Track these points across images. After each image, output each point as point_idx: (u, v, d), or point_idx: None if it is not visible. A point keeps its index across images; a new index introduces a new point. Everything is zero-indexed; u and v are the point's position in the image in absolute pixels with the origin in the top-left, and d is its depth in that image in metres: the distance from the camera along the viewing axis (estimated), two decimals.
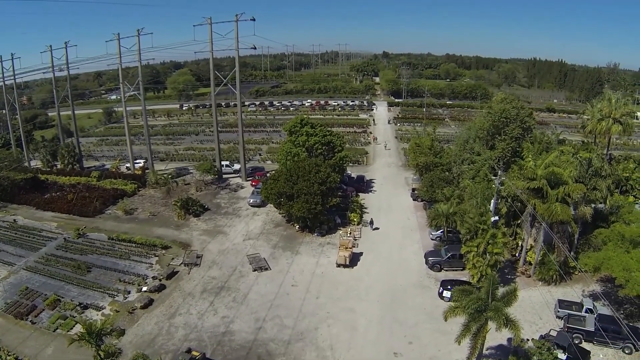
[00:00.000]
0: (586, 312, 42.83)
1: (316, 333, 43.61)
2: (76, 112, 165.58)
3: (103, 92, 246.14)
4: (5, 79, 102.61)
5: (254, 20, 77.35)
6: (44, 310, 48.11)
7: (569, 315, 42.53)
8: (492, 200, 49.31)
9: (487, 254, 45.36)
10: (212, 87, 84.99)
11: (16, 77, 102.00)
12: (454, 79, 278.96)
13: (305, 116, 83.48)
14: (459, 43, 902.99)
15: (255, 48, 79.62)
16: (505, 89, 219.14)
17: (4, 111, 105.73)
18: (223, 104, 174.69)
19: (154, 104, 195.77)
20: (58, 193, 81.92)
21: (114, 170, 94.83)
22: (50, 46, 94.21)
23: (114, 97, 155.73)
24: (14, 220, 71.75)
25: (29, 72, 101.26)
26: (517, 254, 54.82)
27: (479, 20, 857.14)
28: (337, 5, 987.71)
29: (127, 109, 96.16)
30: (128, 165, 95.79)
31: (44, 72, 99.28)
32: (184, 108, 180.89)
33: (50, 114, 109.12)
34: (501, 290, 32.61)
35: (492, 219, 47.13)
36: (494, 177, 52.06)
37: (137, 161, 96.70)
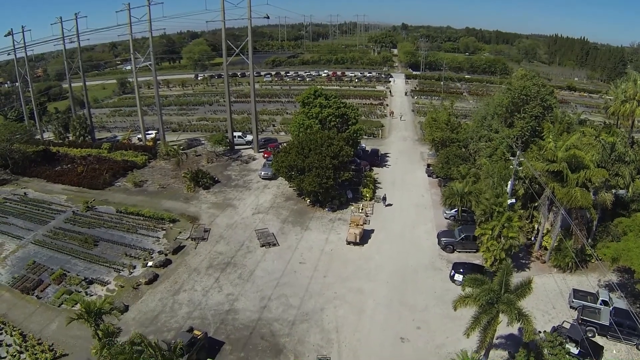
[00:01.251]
0: (601, 304, 41.02)
1: (322, 314, 42.49)
2: (91, 83, 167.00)
3: (118, 62, 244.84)
4: (17, 51, 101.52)
5: None
6: (50, 284, 47.95)
7: (584, 307, 40.70)
8: (509, 182, 47.08)
9: (502, 238, 43.45)
10: (225, 57, 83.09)
11: (27, 49, 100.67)
12: (473, 53, 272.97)
13: (319, 87, 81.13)
14: (479, 17, 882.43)
15: (268, 17, 77.45)
16: (525, 65, 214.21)
17: (17, 84, 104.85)
18: (239, 73, 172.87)
19: (169, 74, 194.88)
20: (69, 165, 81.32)
21: (125, 141, 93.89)
22: (61, 18, 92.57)
23: (128, 67, 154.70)
24: (25, 193, 71.37)
25: (40, 44, 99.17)
26: (532, 238, 52.68)
27: None
28: None
29: (141, 79, 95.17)
30: (140, 136, 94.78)
31: (54, 45, 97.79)
32: (198, 78, 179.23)
33: (64, 86, 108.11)
34: (515, 280, 30.68)
35: (509, 201, 45.05)
36: (512, 157, 49.73)
37: (149, 132, 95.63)
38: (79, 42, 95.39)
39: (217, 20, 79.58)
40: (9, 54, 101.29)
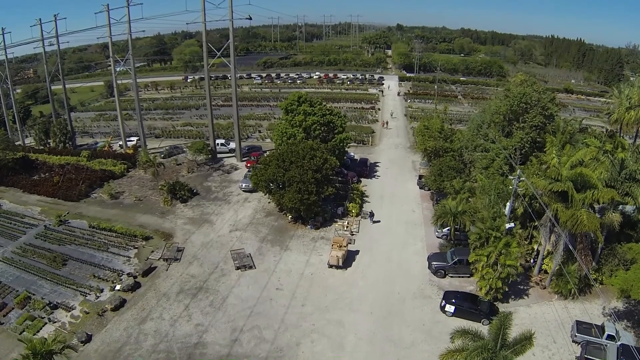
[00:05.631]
0: (607, 338, 37.09)
1: (297, 350, 38.43)
2: (80, 84, 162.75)
3: (109, 64, 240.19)
4: None
5: None
6: (13, 308, 44.67)
7: (587, 343, 36.81)
8: (508, 204, 42.87)
9: (499, 266, 39.31)
10: (205, 59, 78.96)
11: (7, 51, 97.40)
12: (468, 54, 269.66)
13: (305, 92, 76.97)
14: (474, 17, 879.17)
15: (250, 18, 73.36)
16: (521, 67, 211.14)
17: (1, 85, 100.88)
18: (229, 76, 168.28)
19: (159, 75, 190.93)
20: (46, 174, 77.22)
21: (105, 149, 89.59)
22: (40, 19, 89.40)
23: (119, 69, 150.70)
24: None
25: (19, 45, 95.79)
26: (531, 260, 48.46)
27: None
28: None
29: (128, 81, 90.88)
30: (121, 143, 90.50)
31: (34, 47, 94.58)
32: (188, 80, 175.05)
33: (53, 88, 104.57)
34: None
35: (507, 225, 40.90)
36: (510, 172, 45.57)
37: (131, 139, 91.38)
38: (59, 44, 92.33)
39: (198, 22, 75.15)
40: None
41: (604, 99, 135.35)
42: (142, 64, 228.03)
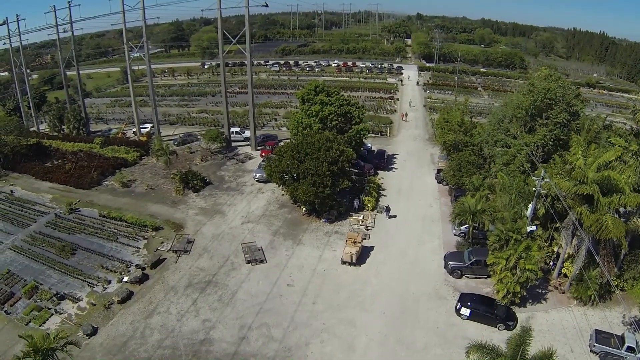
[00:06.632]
0: (627, 350, 35.34)
1: (306, 350, 37.33)
2: (97, 70, 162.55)
3: (129, 49, 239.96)
4: (12, 40, 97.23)
5: None
6: (20, 298, 44.52)
7: (607, 354, 35.30)
8: (530, 206, 40.95)
9: (518, 270, 37.60)
10: (220, 46, 78.00)
11: (22, 38, 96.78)
12: (488, 45, 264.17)
13: (323, 81, 75.28)
14: (495, 7, 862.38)
15: (267, 5, 71.88)
16: (542, 59, 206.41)
17: (17, 71, 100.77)
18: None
19: (177, 61, 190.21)
20: (59, 161, 77.11)
21: (119, 136, 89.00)
22: (54, 6, 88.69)
23: (135, 54, 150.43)
24: (11, 191, 67.47)
25: (34, 31, 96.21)
26: (551, 263, 46.50)
27: None
28: None
29: (144, 67, 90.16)
30: (135, 130, 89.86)
31: (48, 34, 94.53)
32: (205, 66, 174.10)
33: (69, 74, 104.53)
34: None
35: (528, 228, 39.05)
36: (531, 170, 43.58)
37: (145, 125, 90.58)
38: (73, 31, 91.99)
39: (213, 8, 73.85)
40: (4, 43, 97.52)
41: (630, 96, 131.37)
42: (159, 50, 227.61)
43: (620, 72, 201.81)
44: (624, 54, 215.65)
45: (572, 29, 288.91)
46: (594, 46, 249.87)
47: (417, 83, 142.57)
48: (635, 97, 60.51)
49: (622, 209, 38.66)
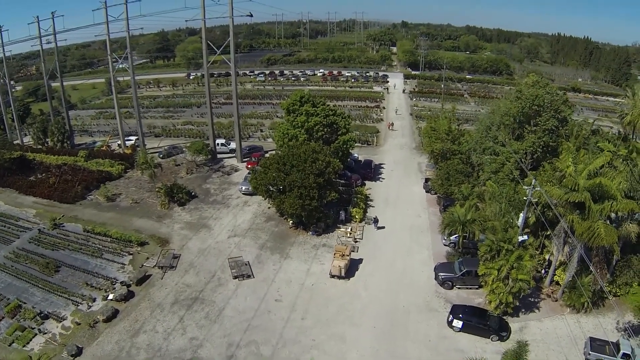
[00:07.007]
0: (623, 357, 34.91)
1: None
2: (81, 81, 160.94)
3: (113, 60, 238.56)
4: None
5: None
6: (3, 318, 43.01)
7: None
8: (521, 215, 40.49)
9: (510, 280, 37.04)
10: (205, 57, 77.17)
11: (5, 49, 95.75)
12: (473, 51, 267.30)
13: (308, 90, 74.75)
14: (480, 14, 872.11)
15: (251, 15, 71.38)
16: (528, 65, 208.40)
17: (0, 82, 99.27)
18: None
19: (162, 72, 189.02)
20: (43, 175, 75.41)
21: (103, 148, 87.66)
22: (37, 17, 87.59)
23: (121, 65, 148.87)
24: None
25: (17, 42, 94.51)
26: (542, 271, 46.04)
27: None
28: None
29: (129, 78, 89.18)
30: (119, 142, 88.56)
31: (32, 46, 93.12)
32: (191, 77, 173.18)
33: (54, 85, 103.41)
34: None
35: (520, 238, 38.56)
36: (520, 178, 43.18)
37: (130, 138, 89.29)
38: (56, 42, 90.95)
39: (197, 19, 73.14)
40: None
41: (616, 99, 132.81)
42: (145, 60, 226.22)
43: (605, 76, 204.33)
44: (608, 58, 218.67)
45: (557, 34, 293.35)
46: (578, 51, 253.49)
47: (403, 91, 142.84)
48: (622, 100, 60.39)
49: (613, 215, 38.22)
